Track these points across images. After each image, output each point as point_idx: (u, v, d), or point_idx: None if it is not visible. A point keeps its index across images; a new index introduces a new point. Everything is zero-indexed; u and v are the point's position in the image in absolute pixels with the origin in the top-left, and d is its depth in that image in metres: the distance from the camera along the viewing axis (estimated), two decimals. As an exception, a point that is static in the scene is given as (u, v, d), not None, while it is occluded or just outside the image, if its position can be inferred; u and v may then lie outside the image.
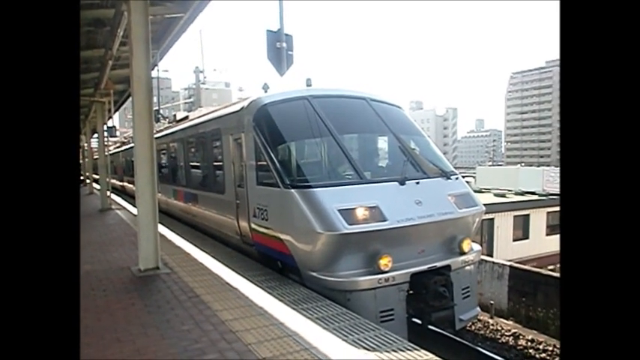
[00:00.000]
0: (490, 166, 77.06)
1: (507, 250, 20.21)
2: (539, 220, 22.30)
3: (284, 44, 6.31)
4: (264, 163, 6.75)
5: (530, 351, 9.48)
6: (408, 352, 3.98)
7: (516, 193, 25.74)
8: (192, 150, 11.32)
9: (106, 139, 16.86)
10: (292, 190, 6.07)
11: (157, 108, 15.66)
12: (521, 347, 9.69)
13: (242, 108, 7.57)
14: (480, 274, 12.24)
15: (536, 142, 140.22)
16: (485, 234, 19.98)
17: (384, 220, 5.73)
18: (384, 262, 5.69)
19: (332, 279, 5.69)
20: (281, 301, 5.10)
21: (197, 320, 4.44)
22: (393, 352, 3.95)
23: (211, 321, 4.41)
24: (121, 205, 16.11)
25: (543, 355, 9.25)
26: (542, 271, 12.11)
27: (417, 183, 6.46)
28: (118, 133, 21.45)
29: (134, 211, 9.94)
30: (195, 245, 8.38)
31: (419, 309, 6.12)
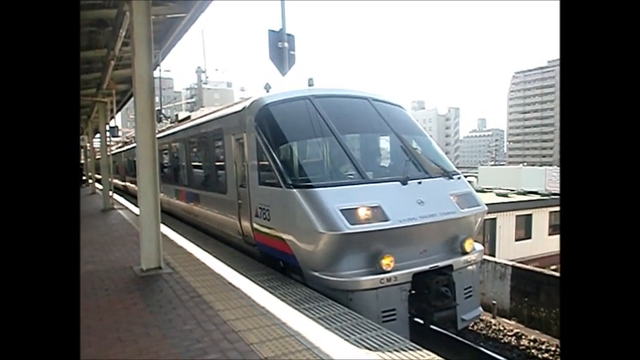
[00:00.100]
0: (492, 165, 76.97)
1: (510, 250, 20.20)
2: (541, 219, 22.28)
3: (286, 44, 6.29)
4: (266, 162, 6.75)
5: (533, 351, 9.46)
6: (410, 352, 3.97)
7: (518, 193, 25.71)
8: (195, 150, 11.33)
9: (108, 139, 16.89)
10: (294, 190, 6.06)
11: (159, 108, 15.68)
12: (523, 347, 9.68)
13: (244, 108, 7.57)
14: (482, 274, 12.23)
15: (538, 141, 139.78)
16: (488, 234, 19.97)
17: (386, 220, 5.72)
18: (386, 261, 5.69)
19: (334, 279, 5.68)
20: (283, 300, 5.11)
21: (199, 320, 4.45)
22: (395, 352, 3.94)
23: (213, 321, 4.41)
24: (123, 205, 16.14)
25: (546, 355, 9.22)
26: (545, 271, 12.08)
27: (419, 183, 6.45)
28: (120, 133, 21.44)
29: (136, 210, 9.96)
30: (197, 245, 8.39)
31: (421, 309, 6.10)
